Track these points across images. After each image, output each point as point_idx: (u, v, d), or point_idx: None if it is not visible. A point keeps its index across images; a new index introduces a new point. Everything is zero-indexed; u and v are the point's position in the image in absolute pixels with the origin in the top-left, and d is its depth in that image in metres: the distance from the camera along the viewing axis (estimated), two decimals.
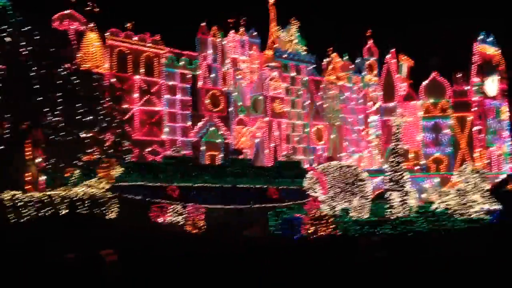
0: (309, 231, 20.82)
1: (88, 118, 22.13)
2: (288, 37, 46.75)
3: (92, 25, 34.89)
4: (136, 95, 36.17)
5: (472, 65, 45.85)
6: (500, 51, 47.60)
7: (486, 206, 24.56)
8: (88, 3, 34.44)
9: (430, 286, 11.34)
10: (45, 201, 18.43)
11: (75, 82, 22.27)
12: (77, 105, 21.80)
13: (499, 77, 46.61)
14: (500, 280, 11.46)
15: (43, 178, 21.49)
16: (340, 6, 70.67)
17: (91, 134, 22.66)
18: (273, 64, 43.69)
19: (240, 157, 34.18)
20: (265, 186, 29.85)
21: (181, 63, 38.82)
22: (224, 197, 27.88)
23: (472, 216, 23.83)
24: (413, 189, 25.28)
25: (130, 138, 29.39)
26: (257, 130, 42.64)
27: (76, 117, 21.71)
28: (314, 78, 47.26)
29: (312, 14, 64.74)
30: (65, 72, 21.99)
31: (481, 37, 46.40)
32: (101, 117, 23.24)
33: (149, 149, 36.06)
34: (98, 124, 22.96)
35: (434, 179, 42.80)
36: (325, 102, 47.56)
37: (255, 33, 45.04)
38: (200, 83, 39.79)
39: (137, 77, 36.37)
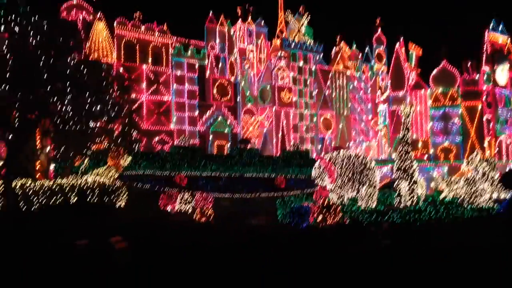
0: (317, 220, 20.84)
1: (97, 108, 22.24)
2: (297, 27, 46.48)
3: (99, 15, 34.93)
4: (144, 85, 36.26)
5: (482, 54, 45.36)
6: (510, 39, 47.03)
7: (495, 195, 24.42)
8: None
9: (438, 275, 11.34)
10: (55, 189, 18.61)
11: (84, 72, 22.35)
12: (85, 95, 21.90)
13: (510, 66, 46.09)
14: (509, 270, 11.42)
15: (52, 167, 21.69)
16: None
17: (99, 124, 22.81)
18: (281, 53, 43.53)
19: (248, 146, 34.21)
20: (272, 175, 29.89)
21: (189, 52, 38.80)
22: (231, 186, 27.97)
23: (480, 205, 23.70)
24: (421, 178, 25.17)
25: (138, 128, 29.54)
26: (264, 120, 42.62)
27: (85, 107, 21.82)
28: (322, 67, 47.04)
29: (320, 2, 64.23)
30: (73, 62, 22.07)
31: (491, 25, 45.85)
32: (110, 107, 23.34)
33: (157, 138, 36.21)
34: (106, 114, 23.07)
35: (443, 168, 42.61)
36: (333, 91, 47.37)
37: (263, 22, 44.86)
38: (207, 73, 39.77)
39: (144, 67, 36.43)
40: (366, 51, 50.88)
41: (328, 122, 46.79)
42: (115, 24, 35.68)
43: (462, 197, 24.25)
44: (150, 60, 36.76)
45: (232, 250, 14.24)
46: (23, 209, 18.23)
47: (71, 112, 21.46)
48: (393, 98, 47.73)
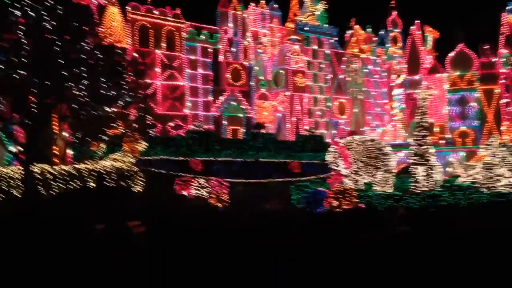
0: (332, 205, 20.81)
1: (112, 93, 22.28)
2: (311, 10, 45.90)
3: None
4: (158, 69, 36.24)
5: (500, 36, 44.43)
6: None
7: None
8: None
9: (454, 260, 11.26)
10: (73, 174, 18.81)
11: (98, 56, 22.37)
12: (101, 80, 21.95)
13: None
14: None
15: (70, 152, 21.88)
16: None
17: (115, 109, 22.87)
18: (294, 37, 43.11)
19: (262, 131, 34.14)
20: (287, 160, 29.83)
21: (202, 37, 38.61)
22: (246, 171, 27.99)
23: (498, 190, 23.42)
24: (438, 163, 24.91)
25: (153, 113, 29.59)
26: (278, 104, 42.43)
27: (100, 92, 21.88)
28: (337, 51, 46.53)
29: None
30: (88, 47, 22.08)
31: (509, 7, 44.79)
32: (125, 91, 23.38)
33: (172, 123, 36.29)
34: (122, 99, 23.13)
35: (460, 153, 42.13)
36: (348, 75, 46.91)
37: (276, 6, 44.38)
38: (221, 57, 39.59)
39: (158, 51, 36.37)
40: (381, 34, 50.15)
41: (342, 106, 46.44)
42: (128, 8, 35.58)
43: (479, 182, 23.98)
44: (163, 44, 36.67)
45: (245, 235, 14.30)
46: (42, 194, 18.47)
47: (87, 97, 21.54)
48: (409, 82, 47.11)
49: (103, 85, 22.01)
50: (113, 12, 34.69)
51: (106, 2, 35.00)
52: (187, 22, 38.26)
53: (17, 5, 20.76)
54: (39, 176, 18.52)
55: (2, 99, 19.66)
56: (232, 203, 21.43)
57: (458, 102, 44.43)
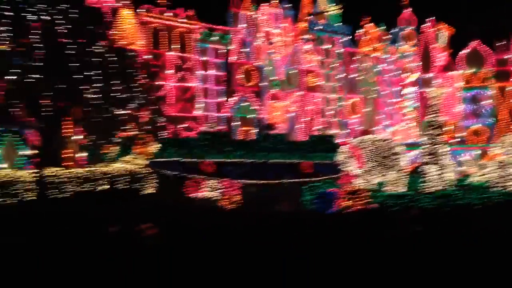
0: (343, 205, 20.78)
1: (124, 95, 22.52)
2: (321, 8, 45.75)
3: (126, 1, 35.12)
4: (170, 71, 36.47)
5: None
6: None
7: None
8: None
9: (468, 260, 11.18)
10: (86, 176, 19.06)
11: (111, 59, 22.62)
12: (113, 82, 22.19)
13: None
14: None
15: (83, 154, 22.17)
16: None
17: (127, 111, 23.11)
18: (307, 36, 43.02)
19: (274, 132, 34.16)
20: (299, 161, 29.80)
21: (214, 38, 38.75)
22: (257, 172, 28.02)
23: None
24: (451, 162, 24.71)
25: (165, 115, 29.81)
26: (290, 105, 42.40)
27: (114, 94, 22.13)
28: (349, 50, 46.30)
29: None
30: (101, 50, 22.35)
31: None
32: (137, 94, 23.61)
33: (184, 125, 36.50)
34: (134, 101, 23.36)
35: (474, 151, 41.68)
36: (360, 74, 46.67)
37: (288, 5, 44.31)
38: (233, 58, 39.70)
39: (170, 53, 36.60)
40: (393, 32, 49.78)
41: (355, 106, 46.22)
42: (141, 11, 35.87)
43: (493, 181, 23.73)
44: (176, 46, 36.89)
45: (256, 235, 14.34)
46: (56, 197, 18.75)
47: (100, 100, 21.80)
48: (423, 80, 46.70)
49: (115, 87, 22.25)
50: (126, 14, 34.99)
51: (119, 5, 35.31)
52: (199, 24, 38.44)
53: (31, 9, 21.11)
54: (52, 179, 18.80)
55: (17, 103, 20.01)
56: (243, 205, 21.50)
57: (472, 99, 43.92)
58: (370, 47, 47.51)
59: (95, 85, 21.40)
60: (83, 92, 21.25)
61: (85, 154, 22.33)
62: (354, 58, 46.42)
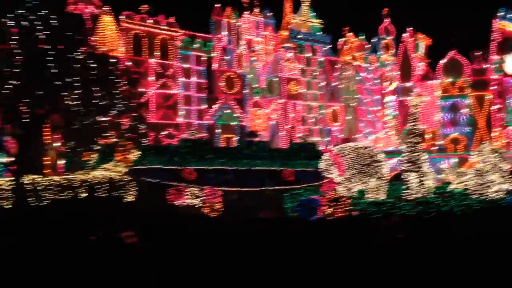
0: (325, 213, 20.88)
1: (105, 102, 22.30)
2: (303, 17, 46.21)
3: (107, 8, 34.90)
4: (151, 78, 36.28)
5: (491, 43, 44.83)
6: None
7: (505, 186, 24.28)
8: None
9: (448, 267, 11.30)
10: (65, 184, 18.76)
11: (92, 65, 22.40)
12: (93, 89, 21.96)
13: None
14: None
15: (62, 162, 21.83)
16: None
17: (108, 118, 22.87)
18: (288, 45, 43.32)
19: (256, 139, 34.18)
20: (280, 168, 29.87)
21: (196, 45, 38.72)
22: (239, 179, 27.99)
23: (490, 196, 23.59)
24: (430, 169, 25.07)
25: (146, 122, 29.57)
26: (272, 112, 42.54)
27: (94, 101, 21.89)
28: (330, 58, 46.77)
29: None
30: (81, 56, 22.12)
31: (501, 13, 45.23)
32: (118, 100, 23.40)
33: (165, 132, 36.29)
34: (115, 108, 23.14)
35: (452, 159, 42.36)
36: (341, 83, 47.13)
37: (270, 14, 44.60)
38: (215, 65, 39.71)
39: (152, 60, 36.43)
40: (373, 41, 50.48)
41: (336, 114, 46.61)
42: (122, 18, 35.66)
43: (471, 189, 24.13)
44: (157, 53, 36.74)
45: (238, 243, 14.28)
46: (33, 205, 18.41)
47: (80, 107, 21.54)
48: (402, 89, 47.39)
49: (96, 94, 22.02)
50: (107, 21, 34.74)
51: (100, 11, 35.06)
52: (181, 31, 38.38)
53: (10, 15, 20.80)
54: (30, 187, 18.46)
55: None
56: (225, 212, 21.42)
57: (450, 108, 44.73)
58: (351, 56, 48.07)
59: (75, 91, 21.13)
60: (63, 98, 20.96)
61: (64, 161, 21.99)
62: (335, 66, 46.88)
